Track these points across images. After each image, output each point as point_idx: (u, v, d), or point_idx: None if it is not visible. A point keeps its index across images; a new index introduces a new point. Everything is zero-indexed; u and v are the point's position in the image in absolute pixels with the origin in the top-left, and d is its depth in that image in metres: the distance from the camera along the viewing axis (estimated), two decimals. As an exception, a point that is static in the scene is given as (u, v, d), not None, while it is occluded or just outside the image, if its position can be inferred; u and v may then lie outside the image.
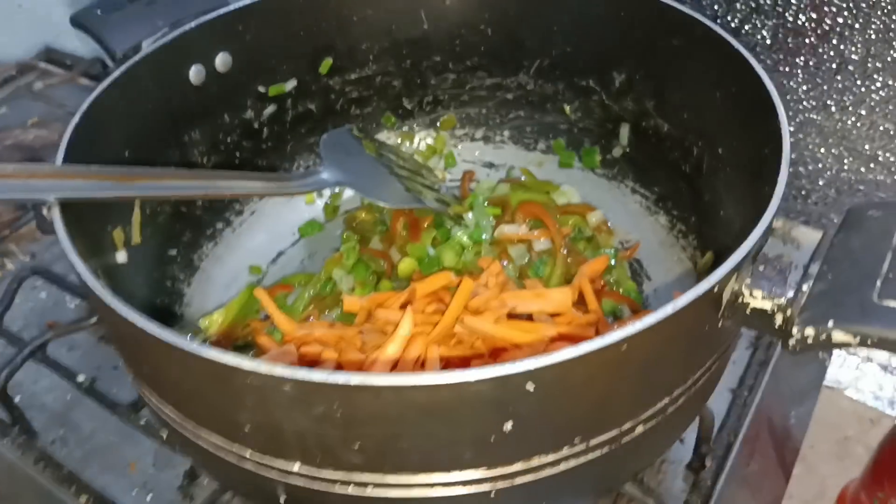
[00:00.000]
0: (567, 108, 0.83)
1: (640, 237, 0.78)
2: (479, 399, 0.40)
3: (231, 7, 0.72)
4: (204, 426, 0.48)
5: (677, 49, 0.71)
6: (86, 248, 0.54)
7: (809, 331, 0.44)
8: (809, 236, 0.48)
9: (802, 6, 0.76)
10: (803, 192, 0.88)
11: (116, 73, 0.65)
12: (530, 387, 0.40)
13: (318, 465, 0.45)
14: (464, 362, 0.59)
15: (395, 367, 0.58)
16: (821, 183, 0.87)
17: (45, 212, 0.55)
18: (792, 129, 0.82)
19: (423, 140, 0.90)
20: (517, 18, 0.79)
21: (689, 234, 0.75)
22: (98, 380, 0.76)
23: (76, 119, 0.60)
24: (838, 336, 0.43)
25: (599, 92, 0.80)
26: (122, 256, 0.66)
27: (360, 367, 0.58)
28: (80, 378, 0.73)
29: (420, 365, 0.58)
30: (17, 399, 0.73)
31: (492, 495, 0.47)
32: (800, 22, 0.77)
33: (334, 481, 0.46)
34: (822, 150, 0.84)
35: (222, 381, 0.42)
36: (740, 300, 0.46)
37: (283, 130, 0.82)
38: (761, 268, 0.47)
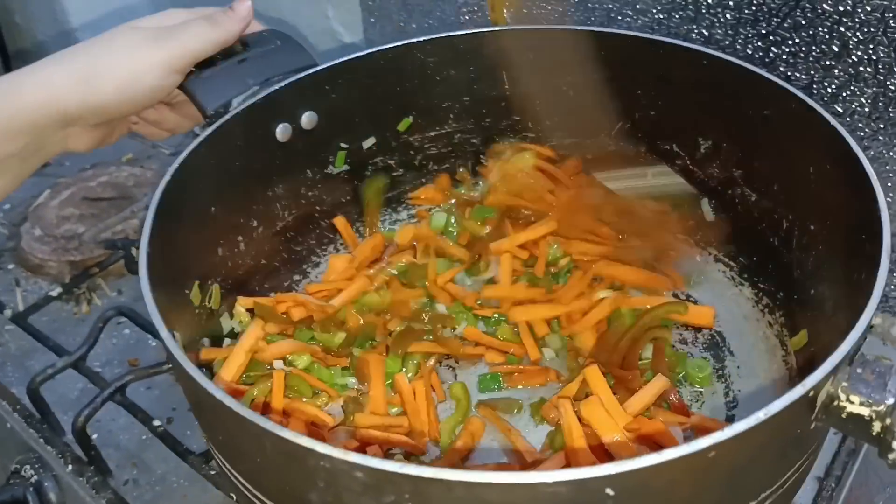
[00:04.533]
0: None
1: (723, 309, 0.75)
2: (555, 501, 0.39)
3: (319, 67, 0.74)
4: (273, 500, 0.48)
5: (768, 119, 0.68)
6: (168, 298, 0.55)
7: (912, 446, 0.41)
8: (912, 335, 0.45)
9: (905, 74, 0.73)
10: (900, 270, 0.83)
11: (207, 132, 0.67)
12: (610, 492, 0.38)
13: (386, 553, 0.44)
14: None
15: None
16: (919, 258, 0.82)
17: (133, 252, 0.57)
18: (889, 199, 0.78)
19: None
20: (600, 82, 0.78)
21: (775, 311, 0.72)
22: (173, 421, 0.77)
23: (167, 177, 0.62)
24: (946, 456, 0.40)
25: (683, 157, 0.78)
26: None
27: None
28: (156, 423, 0.75)
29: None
30: (94, 437, 0.75)
31: None
32: (902, 90, 0.74)
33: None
34: (923, 223, 0.80)
35: (295, 460, 0.42)
36: (835, 403, 0.44)
37: (363, 184, 0.83)
38: (859, 370, 0.44)
